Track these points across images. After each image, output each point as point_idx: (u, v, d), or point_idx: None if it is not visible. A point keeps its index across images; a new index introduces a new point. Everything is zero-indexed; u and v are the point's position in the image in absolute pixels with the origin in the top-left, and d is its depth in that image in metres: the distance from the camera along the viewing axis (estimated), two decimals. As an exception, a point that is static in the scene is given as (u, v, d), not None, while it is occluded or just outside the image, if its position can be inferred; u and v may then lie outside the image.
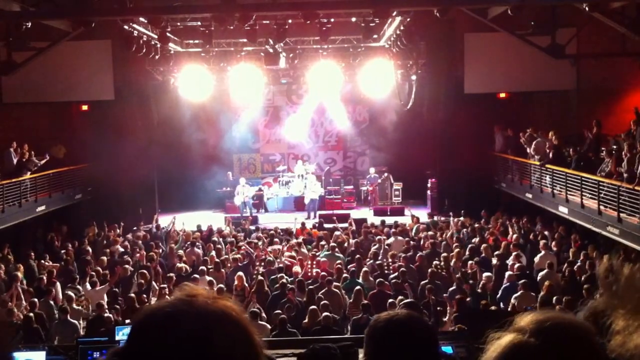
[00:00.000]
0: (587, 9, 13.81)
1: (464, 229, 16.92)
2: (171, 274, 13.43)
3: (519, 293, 11.57)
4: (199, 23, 16.04)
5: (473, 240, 15.60)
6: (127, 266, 13.85)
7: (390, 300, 11.02)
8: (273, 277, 13.14)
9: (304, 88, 23.42)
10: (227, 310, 1.17)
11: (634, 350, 0.89)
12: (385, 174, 22.75)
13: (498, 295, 12.25)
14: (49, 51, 17.34)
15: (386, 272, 13.57)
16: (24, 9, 14.67)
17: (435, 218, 19.50)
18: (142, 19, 16.04)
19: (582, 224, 14.82)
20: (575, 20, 17.17)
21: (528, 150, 18.27)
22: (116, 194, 19.42)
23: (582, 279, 12.68)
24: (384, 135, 23.58)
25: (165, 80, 21.15)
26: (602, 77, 18.97)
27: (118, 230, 17.70)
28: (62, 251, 15.91)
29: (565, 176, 15.62)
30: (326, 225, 18.18)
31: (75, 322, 10.80)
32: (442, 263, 14.02)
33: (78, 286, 13.28)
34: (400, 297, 11.36)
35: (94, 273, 13.45)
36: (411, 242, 15.67)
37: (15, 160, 17.43)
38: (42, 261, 14.93)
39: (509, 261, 13.56)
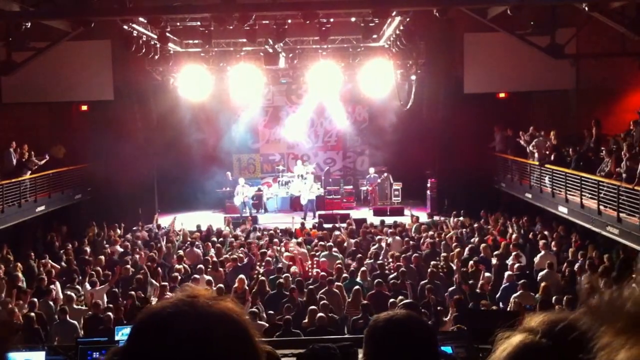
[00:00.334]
0: (586, 8, 13.81)
1: (464, 229, 16.92)
2: (176, 274, 13.42)
3: (518, 293, 11.57)
4: (199, 23, 16.03)
5: (472, 240, 15.61)
6: (127, 266, 13.85)
7: (391, 300, 11.02)
8: (273, 277, 13.15)
9: (303, 88, 23.42)
10: (228, 312, 1.17)
11: None
12: (385, 174, 22.75)
13: (498, 295, 12.25)
14: (49, 51, 17.34)
15: (385, 272, 13.57)
16: (23, 9, 14.67)
17: (435, 218, 19.51)
18: (141, 19, 16.04)
19: (581, 223, 14.82)
20: (575, 20, 17.16)
21: (528, 149, 18.27)
22: (116, 194, 19.42)
23: (582, 278, 12.69)
24: (383, 135, 23.58)
25: (165, 80, 21.15)
26: (601, 77, 18.97)
27: (119, 231, 17.70)
28: (62, 251, 15.92)
29: (565, 176, 15.62)
30: (326, 225, 18.18)
31: (75, 322, 10.79)
32: (442, 263, 14.03)
33: (77, 286, 13.29)
34: (400, 297, 11.37)
35: (94, 273, 13.46)
36: (410, 242, 15.67)
37: (14, 161, 17.43)
38: (42, 261, 14.92)
39: (509, 261, 13.56)
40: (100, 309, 11.07)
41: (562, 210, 15.77)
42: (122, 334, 8.40)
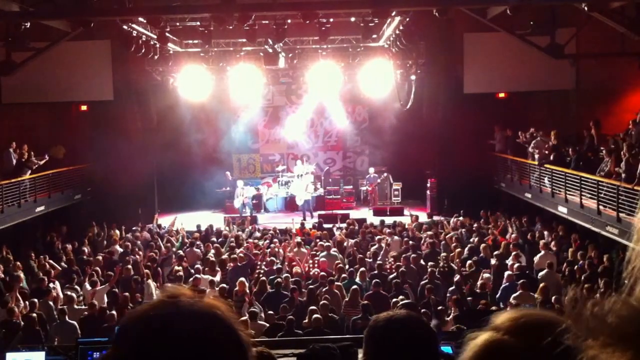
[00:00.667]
0: (586, 8, 13.82)
1: (463, 229, 16.92)
2: (179, 274, 13.41)
3: (517, 293, 11.58)
4: (198, 23, 16.04)
5: (472, 240, 15.61)
6: (128, 266, 13.85)
7: (394, 300, 11.03)
8: (273, 277, 13.15)
9: (303, 88, 23.41)
10: (212, 309, 1.15)
11: None
12: (385, 174, 22.75)
13: (498, 295, 12.26)
14: (49, 51, 17.35)
15: (385, 272, 13.58)
16: (23, 9, 14.68)
17: (435, 218, 19.51)
18: (141, 19, 16.04)
19: (581, 223, 14.82)
20: (575, 20, 17.16)
21: (528, 150, 18.27)
22: (116, 194, 19.40)
23: (582, 278, 12.69)
24: (383, 135, 23.58)
25: (165, 80, 21.14)
26: (601, 77, 18.98)
27: (117, 231, 17.68)
28: (61, 251, 15.91)
29: (565, 176, 15.63)
30: (325, 225, 18.18)
31: (74, 322, 10.79)
32: (442, 263, 14.04)
33: (76, 286, 13.28)
34: (401, 297, 11.37)
35: (94, 273, 13.45)
36: (410, 242, 15.67)
37: (14, 161, 17.42)
38: (42, 261, 14.92)
39: (509, 261, 13.56)
40: (96, 308, 11.07)
41: (562, 210, 15.77)
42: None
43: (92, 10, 14.38)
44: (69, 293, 12.35)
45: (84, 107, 21.06)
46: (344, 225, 18.12)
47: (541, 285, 11.76)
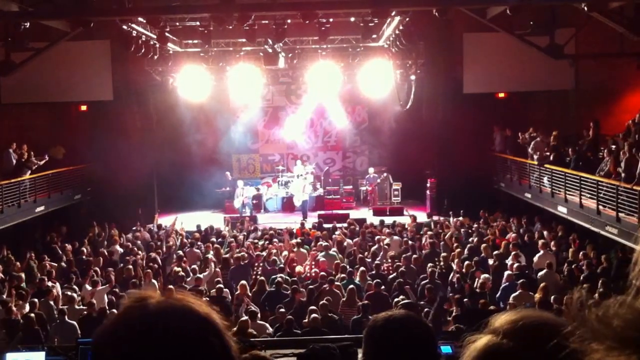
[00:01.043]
0: (585, 9, 13.82)
1: (463, 229, 16.92)
2: (181, 274, 13.40)
3: (517, 292, 11.58)
4: (198, 23, 16.03)
5: (472, 240, 15.61)
6: (129, 266, 13.85)
7: (395, 299, 11.03)
8: (273, 277, 13.14)
9: (303, 88, 23.41)
10: (183, 304, 1.14)
11: None
12: (385, 174, 22.75)
13: (497, 295, 12.26)
14: (48, 51, 17.33)
15: (384, 272, 13.58)
16: (22, 9, 14.68)
17: (435, 218, 19.51)
18: (140, 19, 16.03)
19: (581, 223, 14.83)
20: (574, 20, 17.17)
21: (529, 149, 18.28)
22: (115, 194, 19.41)
23: (582, 278, 12.70)
24: (383, 135, 23.59)
25: (164, 80, 21.14)
26: (600, 78, 18.99)
27: (115, 231, 17.67)
28: (61, 251, 15.90)
29: (565, 176, 15.64)
30: (325, 225, 18.17)
31: (74, 322, 10.78)
32: (442, 263, 14.04)
33: (74, 286, 13.27)
34: (402, 297, 11.37)
35: (94, 273, 13.45)
36: (410, 242, 15.67)
37: (14, 161, 17.42)
38: (42, 262, 14.92)
39: (508, 261, 13.57)
40: (94, 308, 11.06)
41: (562, 210, 15.78)
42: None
43: (92, 10, 14.37)
44: (69, 293, 12.34)
45: (83, 107, 21.07)
46: (344, 225, 18.11)
47: (541, 285, 11.76)
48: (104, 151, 19.95)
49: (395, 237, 16.17)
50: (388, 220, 18.73)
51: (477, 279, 12.73)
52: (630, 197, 12.50)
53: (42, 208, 17.97)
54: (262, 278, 12.94)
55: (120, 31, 16.22)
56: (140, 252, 15.67)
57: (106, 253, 15.68)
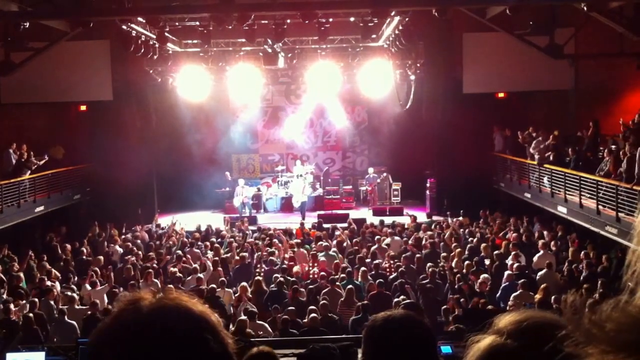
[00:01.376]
0: (585, 8, 13.83)
1: (462, 229, 16.92)
2: (178, 275, 13.40)
3: (517, 292, 11.58)
4: (198, 23, 16.04)
5: (472, 240, 15.61)
6: (129, 266, 13.85)
7: (395, 300, 11.03)
8: (273, 277, 13.13)
9: (302, 88, 23.41)
10: (177, 303, 1.14)
11: None
12: (384, 174, 22.75)
13: (498, 295, 12.26)
14: (47, 51, 17.34)
15: (385, 272, 13.57)
16: (22, 9, 14.68)
17: (435, 218, 19.51)
18: (140, 19, 16.03)
19: (580, 223, 14.84)
20: (574, 20, 17.18)
21: (529, 150, 18.27)
22: (115, 195, 19.40)
23: (582, 278, 12.70)
24: (382, 135, 23.59)
25: (164, 80, 21.14)
26: (600, 77, 19.00)
27: (115, 230, 17.66)
28: (60, 252, 15.90)
29: (564, 176, 15.64)
30: (325, 225, 18.16)
31: (74, 322, 10.78)
32: (442, 263, 14.04)
33: (73, 286, 13.26)
34: (402, 297, 11.37)
35: (93, 273, 13.44)
36: (409, 242, 15.67)
37: (14, 161, 17.42)
38: (42, 262, 14.91)
39: (508, 261, 13.57)
40: (97, 308, 11.06)
41: (562, 210, 15.78)
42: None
43: (91, 10, 14.38)
44: (69, 293, 12.34)
45: (83, 107, 21.06)
46: (344, 225, 18.10)
47: (542, 286, 11.75)
48: (104, 151, 19.95)
49: (396, 237, 16.17)
50: (388, 220, 18.73)
51: (477, 279, 12.72)
52: (630, 197, 12.50)
53: (41, 208, 17.97)
54: (259, 278, 12.93)
55: (120, 31, 16.22)
56: (140, 252, 15.66)
57: (106, 253, 15.69)
